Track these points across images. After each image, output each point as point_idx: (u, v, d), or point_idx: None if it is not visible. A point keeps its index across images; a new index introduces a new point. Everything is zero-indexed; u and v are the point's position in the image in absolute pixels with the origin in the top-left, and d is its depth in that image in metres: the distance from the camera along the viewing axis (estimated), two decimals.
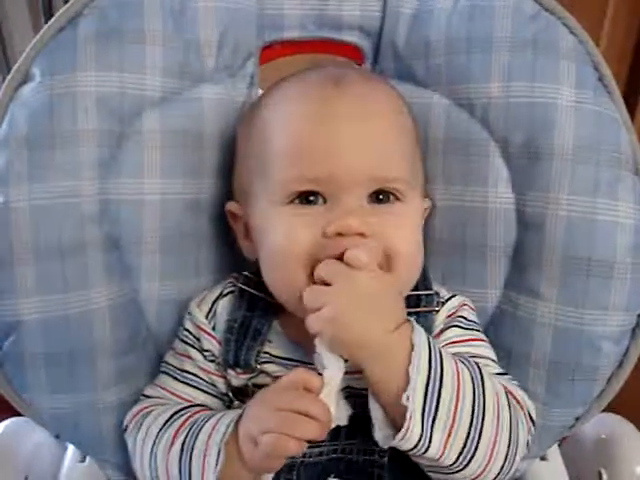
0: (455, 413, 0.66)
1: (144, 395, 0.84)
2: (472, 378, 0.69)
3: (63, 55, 0.82)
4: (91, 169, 0.82)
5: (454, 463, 0.67)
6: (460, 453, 0.67)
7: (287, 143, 0.75)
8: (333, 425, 0.68)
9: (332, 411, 0.66)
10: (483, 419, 0.67)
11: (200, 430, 0.73)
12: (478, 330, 0.81)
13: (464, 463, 0.67)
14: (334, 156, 0.72)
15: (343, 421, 0.72)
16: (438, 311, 0.80)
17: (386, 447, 0.67)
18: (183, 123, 0.87)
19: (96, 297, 0.83)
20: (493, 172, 0.85)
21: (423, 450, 0.66)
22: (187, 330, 0.84)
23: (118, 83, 0.83)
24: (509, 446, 0.69)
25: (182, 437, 0.74)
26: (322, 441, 0.72)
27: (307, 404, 0.65)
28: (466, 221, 0.87)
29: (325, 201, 0.73)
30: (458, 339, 0.78)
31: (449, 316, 0.80)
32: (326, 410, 0.65)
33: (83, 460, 0.91)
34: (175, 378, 0.83)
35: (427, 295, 0.81)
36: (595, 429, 0.95)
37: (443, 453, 0.66)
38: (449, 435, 0.66)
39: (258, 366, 0.78)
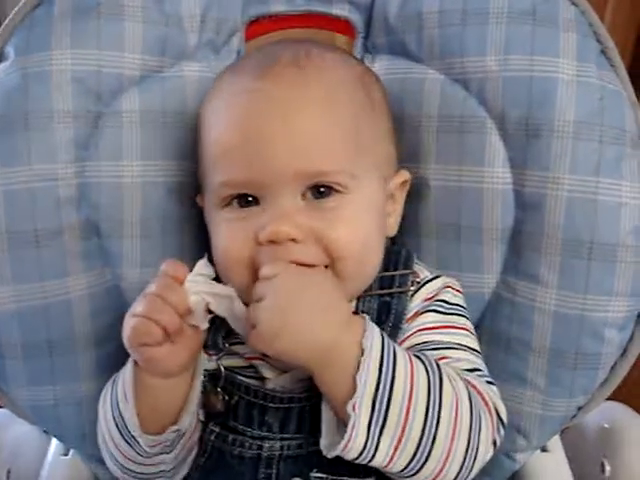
0: (406, 421, 0.62)
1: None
2: (429, 381, 0.64)
3: (38, 33, 0.80)
4: (67, 151, 0.80)
5: (403, 470, 0.64)
6: (410, 461, 0.63)
7: (211, 147, 0.74)
8: (192, 322, 0.68)
9: (190, 300, 0.67)
10: (437, 426, 0.63)
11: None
12: (461, 315, 0.76)
13: (415, 469, 0.64)
14: (254, 158, 0.69)
15: (203, 325, 0.69)
16: (414, 293, 0.76)
17: (330, 457, 0.64)
18: (164, 102, 0.83)
19: (75, 285, 0.81)
20: (489, 150, 0.81)
21: (368, 459, 0.63)
22: None
23: (95, 61, 0.80)
24: (466, 452, 0.65)
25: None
26: (300, 431, 0.71)
27: (164, 288, 0.67)
28: (461, 202, 0.83)
29: (260, 202, 0.71)
30: (433, 325, 0.74)
31: (428, 299, 0.76)
32: (182, 298, 0.67)
33: (67, 453, 0.89)
34: None
35: (402, 275, 0.77)
36: (598, 418, 0.92)
37: (390, 461, 0.63)
38: (398, 444, 0.62)
39: (227, 345, 0.75)
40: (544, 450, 0.88)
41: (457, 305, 0.77)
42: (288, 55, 0.73)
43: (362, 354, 0.63)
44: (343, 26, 0.90)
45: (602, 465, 0.88)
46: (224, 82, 0.77)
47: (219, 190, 0.72)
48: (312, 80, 0.72)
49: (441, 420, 0.63)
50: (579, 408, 0.83)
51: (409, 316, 0.74)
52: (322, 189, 0.71)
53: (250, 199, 0.71)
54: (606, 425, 0.91)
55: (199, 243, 0.87)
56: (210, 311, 0.69)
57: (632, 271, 0.78)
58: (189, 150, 0.84)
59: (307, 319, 0.64)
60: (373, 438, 0.62)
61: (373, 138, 0.75)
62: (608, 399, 0.85)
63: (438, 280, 0.78)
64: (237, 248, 0.71)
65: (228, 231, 0.72)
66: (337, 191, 0.71)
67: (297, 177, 0.69)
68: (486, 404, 0.68)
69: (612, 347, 0.80)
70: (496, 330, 0.83)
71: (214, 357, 0.75)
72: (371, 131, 0.75)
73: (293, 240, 0.68)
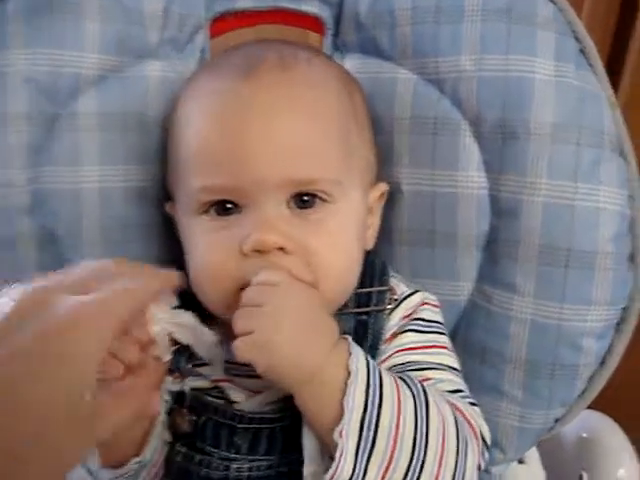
0: (394, 447, 0.60)
1: None
2: (415, 406, 0.62)
3: None
4: (21, 156, 0.76)
5: None
6: None
7: (189, 149, 0.69)
8: (155, 353, 0.63)
9: (153, 330, 0.62)
10: (425, 452, 0.61)
11: None
12: (440, 332, 0.74)
13: None
14: (237, 163, 0.65)
15: (166, 356, 0.64)
16: (392, 310, 0.73)
17: None
18: (124, 103, 0.79)
19: None
20: (464, 154, 0.78)
21: None
22: None
23: (49, 61, 0.76)
24: (454, 477, 0.62)
25: None
26: (270, 453, 0.69)
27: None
28: (435, 207, 0.80)
29: (242, 210, 0.67)
30: (413, 345, 0.71)
31: (406, 316, 0.73)
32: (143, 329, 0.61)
33: None
34: None
35: (379, 292, 0.74)
36: (576, 427, 0.90)
37: None
38: (386, 470, 0.60)
39: (189, 366, 0.72)
40: (521, 462, 0.87)
41: (435, 322, 0.74)
42: (273, 56, 0.70)
43: (349, 377, 0.60)
44: (312, 23, 0.87)
45: (580, 477, 0.86)
46: (201, 82, 0.73)
47: (197, 195, 0.68)
48: (299, 83, 0.69)
49: (429, 446, 0.61)
50: (556, 420, 0.81)
51: (387, 336, 0.72)
52: (305, 197, 0.67)
53: (229, 206, 0.67)
54: (585, 435, 0.89)
55: (166, 251, 0.83)
56: (174, 341, 0.65)
57: (611, 279, 0.75)
58: (152, 154, 0.81)
59: (301, 335, 0.61)
60: (361, 465, 0.59)
61: (357, 146, 0.72)
62: (587, 408, 0.83)
63: (416, 296, 0.75)
64: (220, 260, 0.66)
65: (208, 241, 0.68)
66: (322, 200, 0.68)
67: (282, 184, 0.66)
68: (472, 429, 0.66)
69: (590, 357, 0.77)
70: (470, 340, 0.80)
71: (177, 379, 0.72)
72: (356, 138, 0.72)
73: (281, 249, 0.65)
